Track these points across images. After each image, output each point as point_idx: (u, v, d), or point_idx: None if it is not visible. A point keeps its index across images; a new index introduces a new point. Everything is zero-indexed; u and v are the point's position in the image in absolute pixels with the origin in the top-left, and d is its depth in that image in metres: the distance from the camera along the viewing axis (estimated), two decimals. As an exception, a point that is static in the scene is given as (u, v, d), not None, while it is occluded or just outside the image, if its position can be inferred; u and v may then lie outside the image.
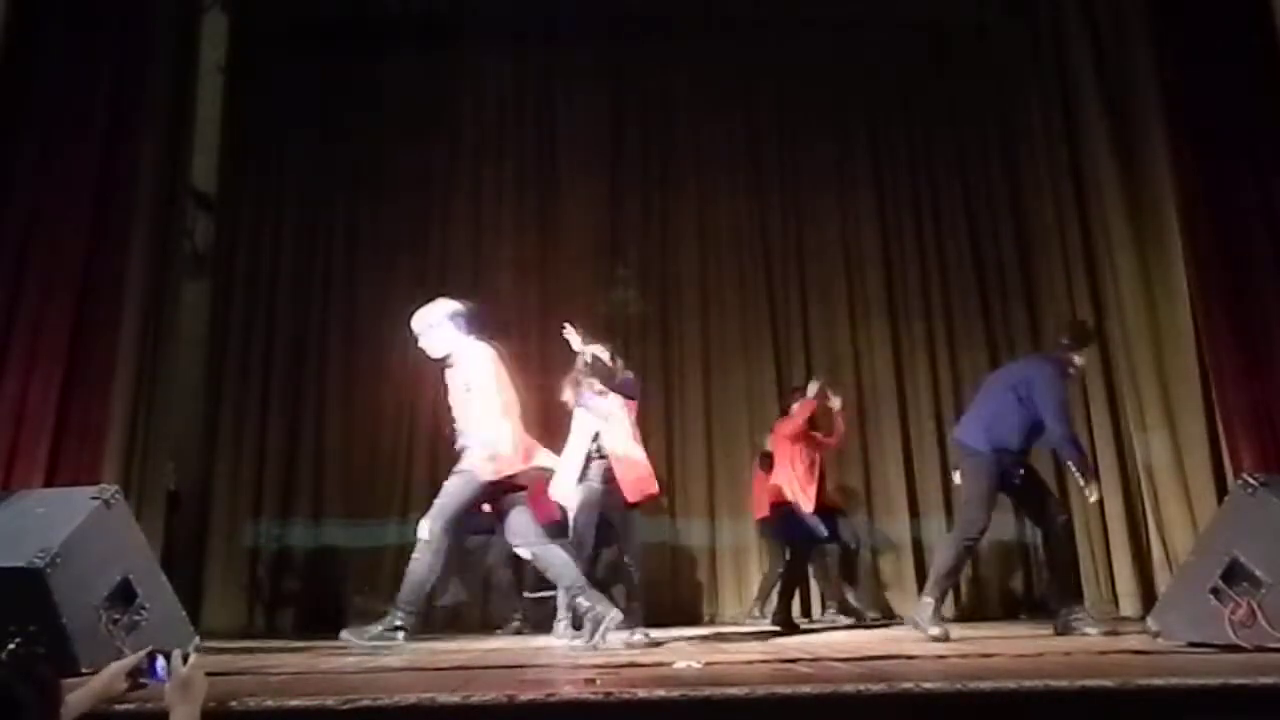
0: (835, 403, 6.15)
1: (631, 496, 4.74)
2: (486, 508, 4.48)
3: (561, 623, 5.01)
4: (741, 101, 8.14)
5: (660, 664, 3.32)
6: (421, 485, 7.30)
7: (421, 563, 4.28)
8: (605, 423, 4.78)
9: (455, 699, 2.33)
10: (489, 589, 6.67)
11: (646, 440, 5.07)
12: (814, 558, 6.33)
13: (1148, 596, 6.03)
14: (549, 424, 5.71)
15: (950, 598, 6.65)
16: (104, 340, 4.89)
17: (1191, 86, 5.26)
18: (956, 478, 4.97)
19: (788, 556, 6.16)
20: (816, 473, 6.03)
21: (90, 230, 4.87)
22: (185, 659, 1.95)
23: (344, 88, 7.82)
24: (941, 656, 3.42)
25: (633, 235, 7.96)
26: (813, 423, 6.13)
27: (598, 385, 4.81)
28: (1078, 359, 4.86)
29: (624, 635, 4.29)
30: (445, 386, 4.53)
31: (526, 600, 6.19)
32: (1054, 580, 5.12)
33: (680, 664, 3.26)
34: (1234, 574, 3.55)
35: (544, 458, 4.65)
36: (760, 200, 7.99)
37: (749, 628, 6.26)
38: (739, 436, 7.48)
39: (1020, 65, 7.70)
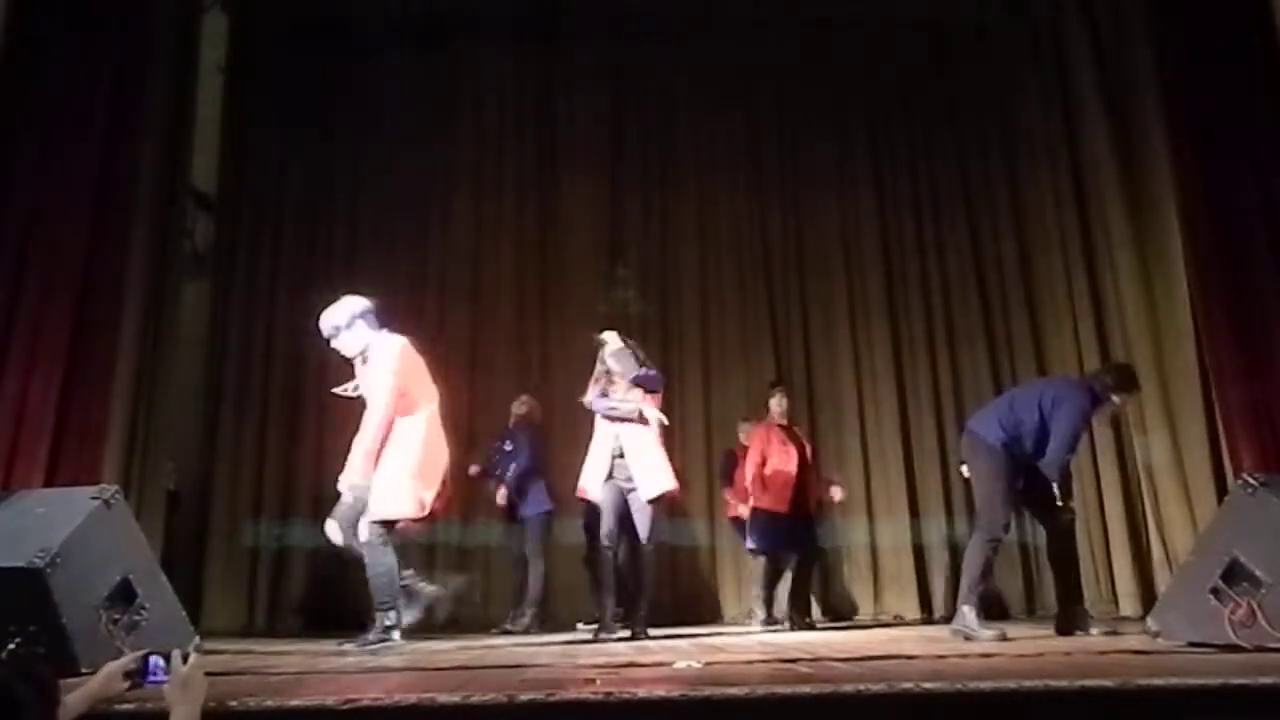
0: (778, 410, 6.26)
1: (648, 494, 4.82)
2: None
3: None
4: (741, 101, 8.14)
5: (660, 664, 3.32)
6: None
7: (378, 565, 4.30)
8: (626, 422, 4.86)
9: (455, 699, 2.33)
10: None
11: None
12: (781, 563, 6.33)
13: (1148, 596, 6.03)
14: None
15: (947, 598, 6.67)
16: (104, 340, 4.89)
17: (1191, 86, 5.26)
18: (964, 470, 4.96)
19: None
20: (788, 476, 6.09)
21: (90, 230, 4.87)
22: (185, 659, 1.95)
23: (345, 88, 7.82)
24: (941, 656, 3.42)
25: (633, 235, 7.96)
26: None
27: (616, 387, 4.87)
28: (1115, 398, 4.75)
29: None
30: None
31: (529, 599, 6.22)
32: (1055, 580, 5.11)
33: (680, 664, 3.26)
34: (1234, 574, 3.55)
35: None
36: (760, 200, 7.99)
37: (749, 628, 6.26)
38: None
39: (1020, 65, 7.71)
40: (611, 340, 5.04)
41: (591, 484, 4.96)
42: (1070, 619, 4.73)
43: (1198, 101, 5.21)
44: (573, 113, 8.10)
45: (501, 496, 6.40)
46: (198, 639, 3.93)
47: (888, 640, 4.57)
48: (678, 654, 3.75)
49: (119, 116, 5.07)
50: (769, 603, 6.15)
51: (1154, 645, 3.76)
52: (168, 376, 5.98)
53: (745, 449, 6.45)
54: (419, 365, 4.52)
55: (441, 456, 4.49)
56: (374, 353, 4.47)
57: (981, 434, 4.65)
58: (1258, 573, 3.48)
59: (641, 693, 2.37)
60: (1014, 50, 7.77)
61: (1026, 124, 7.64)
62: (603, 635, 4.85)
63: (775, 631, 5.75)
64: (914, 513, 7.36)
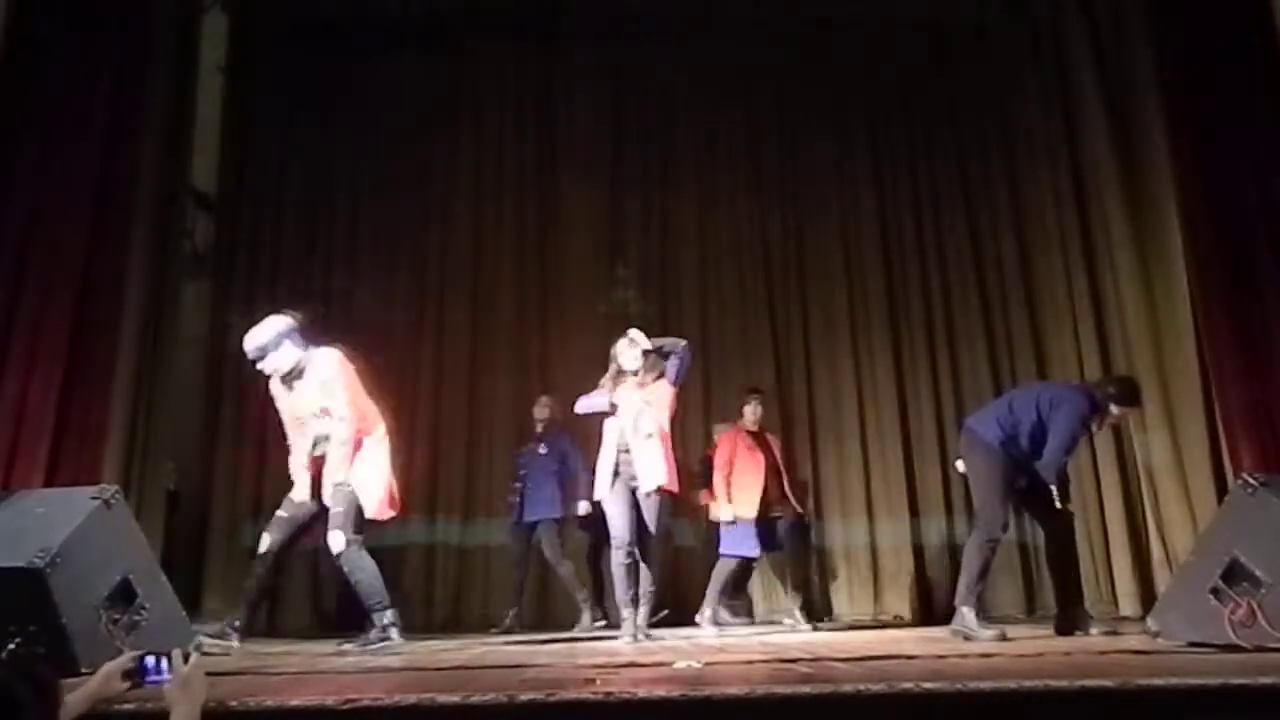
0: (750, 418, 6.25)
1: (646, 486, 4.81)
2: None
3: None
4: (741, 101, 8.14)
5: (660, 664, 3.32)
6: (421, 485, 7.32)
7: (360, 570, 4.35)
8: (629, 418, 4.85)
9: (455, 699, 2.33)
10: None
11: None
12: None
13: (1148, 596, 6.03)
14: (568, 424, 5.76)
15: (947, 598, 6.67)
16: (104, 340, 4.89)
17: (1191, 86, 5.26)
18: (959, 466, 4.96)
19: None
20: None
21: (90, 230, 4.87)
22: (186, 658, 1.95)
23: (344, 87, 7.81)
24: (941, 656, 3.42)
25: (633, 235, 7.96)
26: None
27: (625, 383, 4.86)
28: (1115, 409, 4.73)
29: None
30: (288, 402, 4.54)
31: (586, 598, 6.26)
32: (1054, 581, 5.11)
33: (680, 664, 3.26)
34: (1234, 574, 3.55)
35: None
36: (760, 200, 7.99)
37: (748, 628, 6.26)
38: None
39: (1020, 65, 7.71)
40: (639, 339, 4.98)
41: (601, 486, 4.90)
42: (1070, 619, 4.73)
43: (1198, 101, 5.21)
44: (573, 113, 8.10)
45: (584, 508, 6.21)
46: (198, 639, 3.93)
47: (888, 640, 4.57)
48: (678, 654, 3.75)
49: (119, 116, 5.07)
50: (714, 601, 6.03)
51: (1154, 645, 3.76)
52: (168, 376, 5.98)
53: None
54: (355, 376, 4.54)
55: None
56: (310, 367, 4.45)
57: (980, 433, 4.65)
58: (1258, 573, 3.48)
59: (641, 693, 2.38)
60: (1014, 50, 7.76)
61: (1026, 124, 7.64)
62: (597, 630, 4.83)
63: (722, 632, 5.72)
64: (914, 513, 7.35)
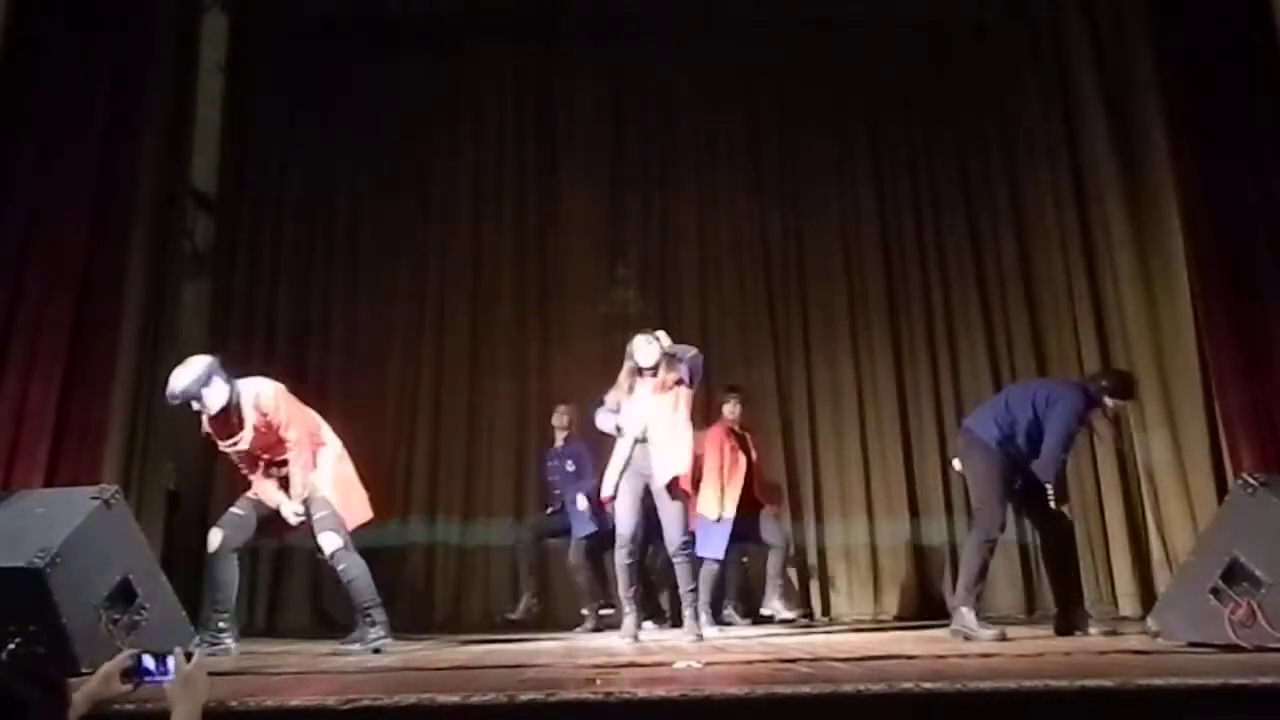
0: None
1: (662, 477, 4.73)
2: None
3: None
4: (741, 101, 8.13)
5: (660, 664, 3.32)
6: (421, 485, 7.32)
7: (350, 569, 4.40)
8: (648, 412, 4.78)
9: (455, 699, 2.34)
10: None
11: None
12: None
13: (1148, 596, 6.03)
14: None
15: (947, 599, 6.67)
16: (104, 340, 4.90)
17: (1191, 86, 5.27)
18: (956, 464, 4.96)
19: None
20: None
21: (90, 230, 4.88)
22: (188, 657, 1.95)
23: (344, 88, 7.81)
24: (941, 656, 3.42)
25: (633, 235, 7.95)
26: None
27: (644, 385, 4.82)
28: (1110, 403, 4.71)
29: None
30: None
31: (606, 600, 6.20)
32: (1053, 581, 5.11)
33: (680, 664, 3.26)
34: (1234, 574, 3.55)
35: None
36: (760, 200, 7.98)
37: (748, 628, 6.26)
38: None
39: (1020, 65, 7.70)
40: (662, 338, 4.92)
41: (609, 481, 4.81)
42: (1070, 619, 4.73)
43: (1198, 101, 5.22)
44: (573, 113, 8.09)
45: (582, 503, 6.16)
46: (199, 638, 3.93)
47: (888, 640, 4.57)
48: (678, 654, 3.75)
49: (119, 116, 5.08)
50: (713, 605, 6.03)
51: (1154, 645, 3.76)
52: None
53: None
54: (291, 398, 4.54)
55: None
56: (244, 399, 4.42)
57: (978, 432, 4.65)
58: (1258, 573, 3.49)
59: (641, 693, 2.38)
60: (1014, 50, 7.76)
61: (1026, 124, 7.63)
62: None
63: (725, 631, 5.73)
64: (914, 513, 7.34)
